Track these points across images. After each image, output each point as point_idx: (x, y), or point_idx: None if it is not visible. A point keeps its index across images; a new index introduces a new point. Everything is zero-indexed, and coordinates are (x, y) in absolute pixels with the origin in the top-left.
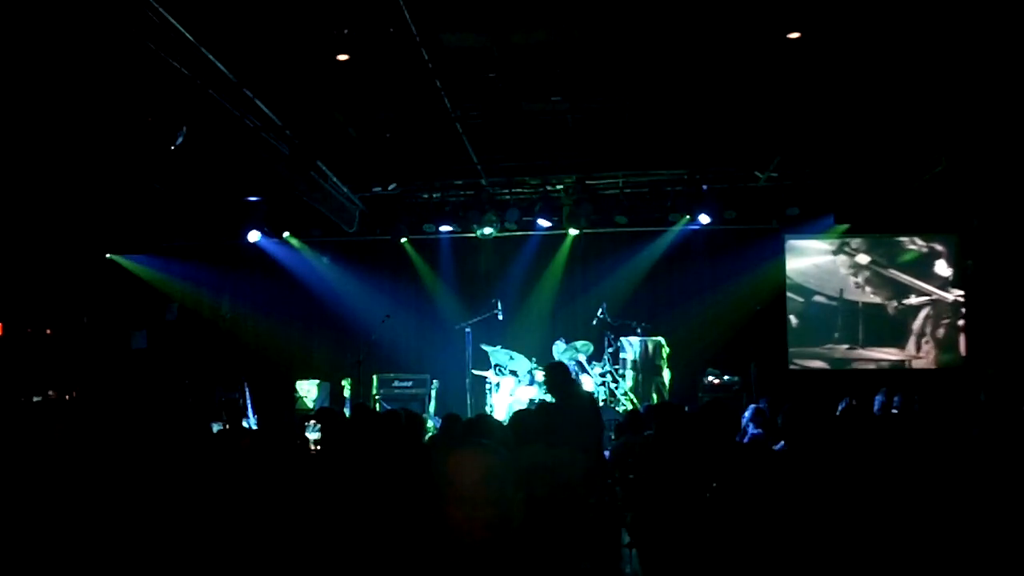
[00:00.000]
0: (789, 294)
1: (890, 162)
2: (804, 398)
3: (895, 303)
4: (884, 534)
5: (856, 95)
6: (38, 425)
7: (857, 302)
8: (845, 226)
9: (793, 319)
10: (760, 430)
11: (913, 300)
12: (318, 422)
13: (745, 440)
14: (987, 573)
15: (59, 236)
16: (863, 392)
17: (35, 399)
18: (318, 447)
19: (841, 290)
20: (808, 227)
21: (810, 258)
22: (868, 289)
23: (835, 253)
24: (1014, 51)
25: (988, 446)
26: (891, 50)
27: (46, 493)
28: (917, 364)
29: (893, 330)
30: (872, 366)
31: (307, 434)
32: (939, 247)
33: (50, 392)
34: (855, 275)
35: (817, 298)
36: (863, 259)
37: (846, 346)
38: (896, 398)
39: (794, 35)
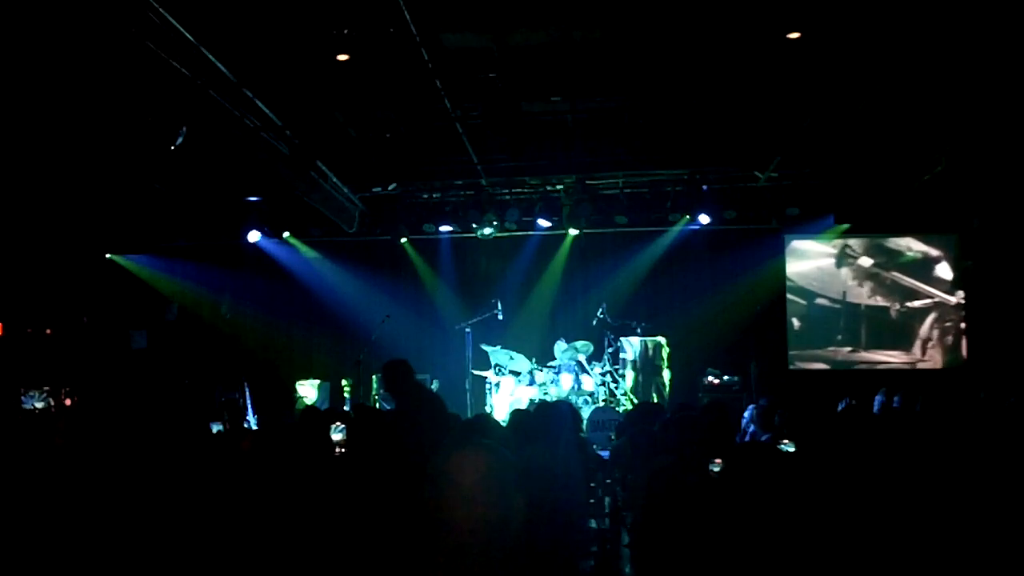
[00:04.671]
0: (792, 296)
1: (890, 162)
2: (804, 398)
3: (898, 306)
4: (884, 534)
5: (856, 95)
6: (38, 425)
7: (860, 305)
8: (845, 226)
9: (796, 321)
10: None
11: (916, 303)
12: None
13: (745, 440)
14: (987, 573)
15: (59, 236)
16: (863, 392)
17: (38, 406)
18: (343, 449)
19: (844, 293)
20: (808, 227)
21: (813, 261)
22: (871, 292)
23: (838, 256)
24: (1014, 51)
25: (988, 446)
26: (891, 50)
27: (46, 493)
28: (920, 367)
29: (896, 333)
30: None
31: (333, 435)
32: (942, 250)
33: (51, 401)
34: (858, 278)
35: (820, 300)
36: (866, 262)
37: (848, 349)
38: (896, 398)
39: (794, 35)
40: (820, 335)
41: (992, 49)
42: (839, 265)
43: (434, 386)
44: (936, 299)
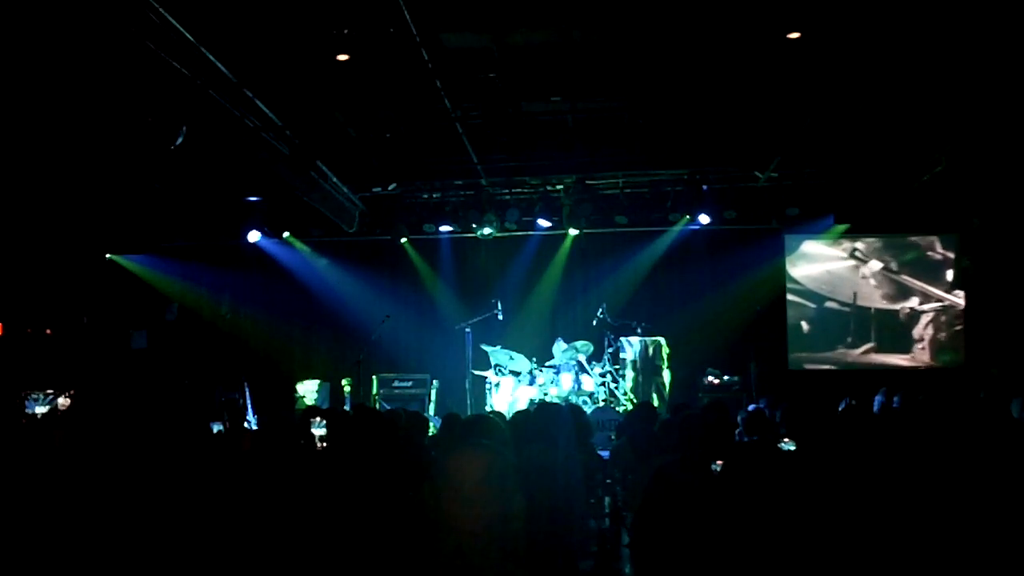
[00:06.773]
0: (800, 299)
1: (890, 162)
2: (804, 399)
3: (907, 308)
4: (883, 534)
5: (856, 95)
6: (38, 426)
7: (870, 308)
8: (845, 226)
9: (804, 324)
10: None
11: (926, 305)
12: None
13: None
14: (987, 573)
15: (59, 236)
16: (864, 392)
17: (40, 410)
18: (323, 444)
19: (854, 296)
20: (808, 227)
21: (822, 263)
22: (881, 294)
23: (847, 259)
24: (1014, 51)
25: (988, 446)
26: (891, 50)
27: (46, 494)
28: (926, 368)
29: (906, 335)
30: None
31: (313, 430)
32: (950, 252)
33: (56, 403)
34: (868, 280)
35: (829, 304)
36: (876, 265)
37: (858, 351)
38: (896, 398)
39: (794, 35)
40: (830, 338)
41: (992, 49)
42: (849, 268)
43: (434, 386)
44: (946, 302)
